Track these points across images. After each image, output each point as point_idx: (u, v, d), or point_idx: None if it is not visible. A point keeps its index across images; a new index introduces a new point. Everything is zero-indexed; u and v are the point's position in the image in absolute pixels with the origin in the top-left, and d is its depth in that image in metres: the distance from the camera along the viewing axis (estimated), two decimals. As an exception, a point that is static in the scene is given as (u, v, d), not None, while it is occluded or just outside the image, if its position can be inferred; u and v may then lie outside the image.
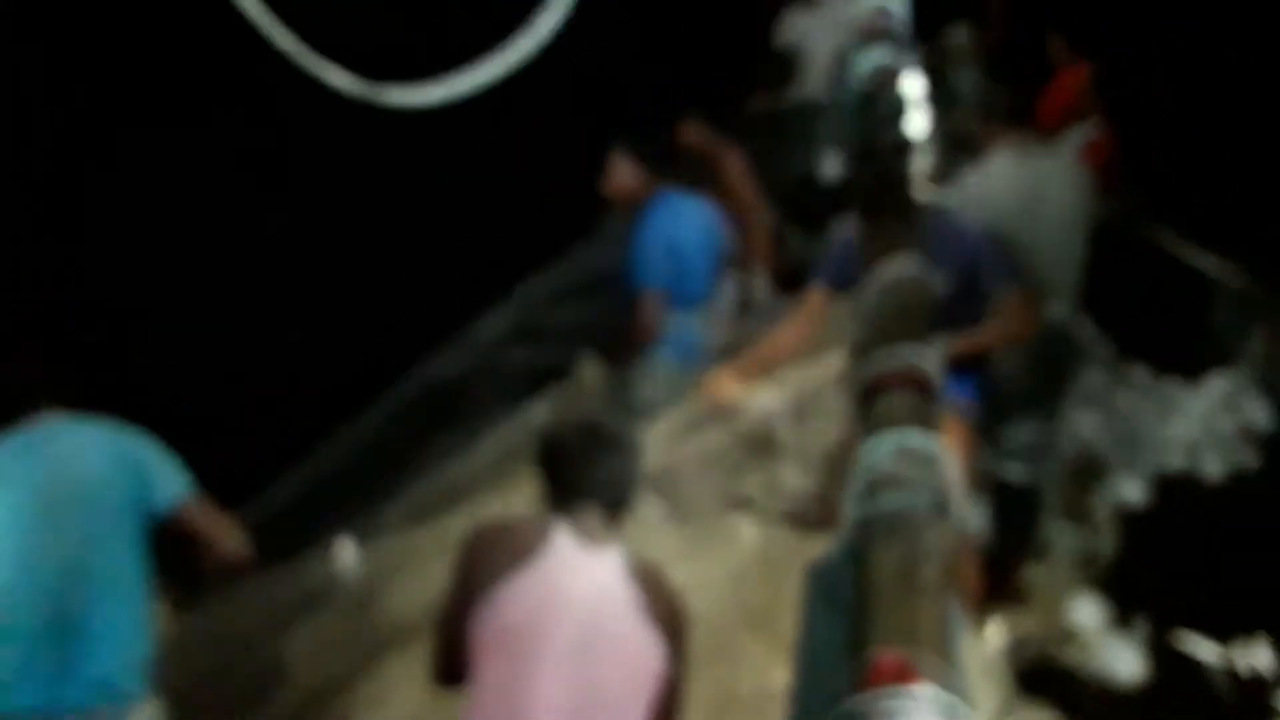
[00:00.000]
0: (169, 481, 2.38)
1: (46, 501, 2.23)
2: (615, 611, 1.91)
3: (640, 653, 1.91)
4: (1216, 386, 4.73)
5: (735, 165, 4.68)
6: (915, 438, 1.45)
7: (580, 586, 1.92)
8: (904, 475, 1.38)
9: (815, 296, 3.45)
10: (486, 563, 1.96)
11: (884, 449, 1.43)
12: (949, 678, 1.10)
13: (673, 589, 2.00)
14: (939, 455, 1.43)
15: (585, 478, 2.00)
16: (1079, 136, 4.80)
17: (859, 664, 1.11)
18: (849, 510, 1.39)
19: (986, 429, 3.75)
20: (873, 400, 1.59)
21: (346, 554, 3.19)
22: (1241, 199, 5.17)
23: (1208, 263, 5.00)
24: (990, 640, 3.44)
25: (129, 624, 2.32)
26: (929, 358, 1.65)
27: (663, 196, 3.83)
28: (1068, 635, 3.60)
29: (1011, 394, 3.72)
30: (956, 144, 4.68)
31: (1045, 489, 3.95)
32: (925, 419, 1.53)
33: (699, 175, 4.94)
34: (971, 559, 3.57)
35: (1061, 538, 3.99)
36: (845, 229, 3.60)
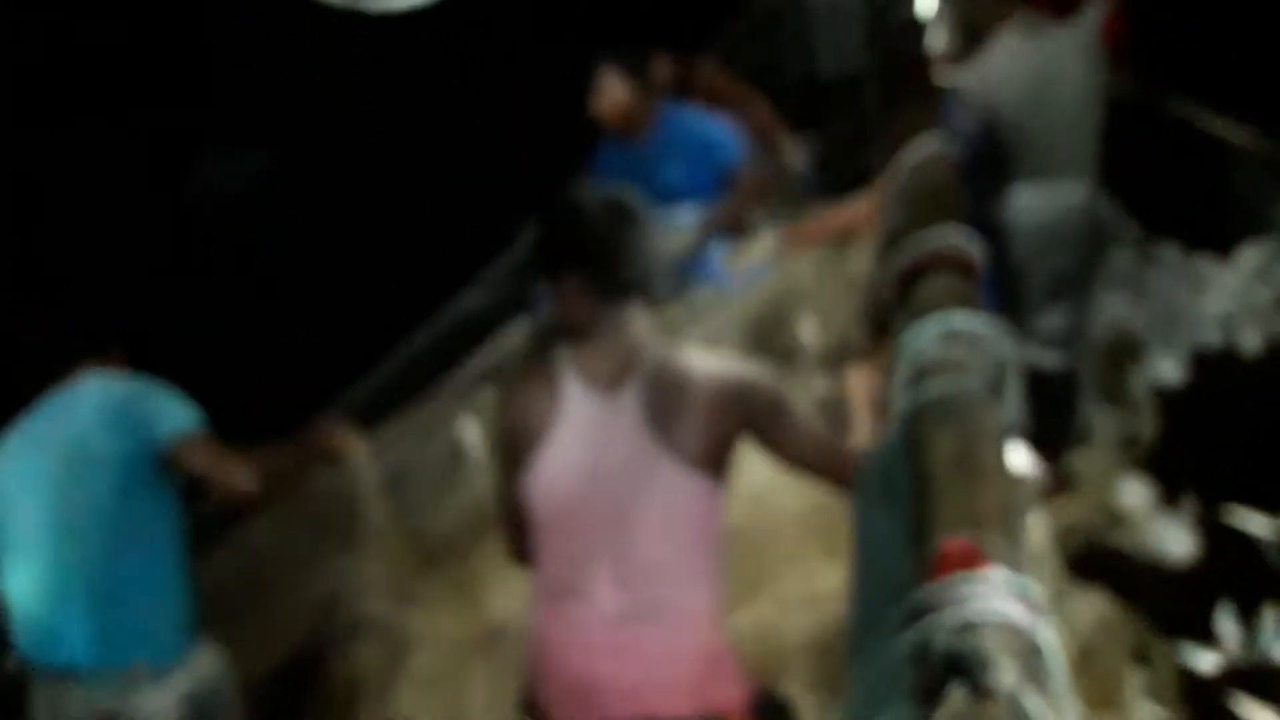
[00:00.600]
0: (165, 420, 2.31)
1: (65, 463, 2.20)
2: (637, 472, 1.80)
3: (678, 503, 1.81)
4: (1248, 258, 4.59)
5: (709, 70, 4.48)
6: (960, 319, 1.38)
7: (596, 454, 1.82)
8: (953, 358, 1.31)
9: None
10: (513, 440, 1.90)
11: (929, 333, 1.35)
12: (1016, 560, 1.04)
13: (716, 379, 1.83)
14: (987, 335, 1.36)
15: (606, 270, 1.86)
16: (1095, 13, 4.62)
17: (923, 553, 1.05)
18: (897, 399, 1.32)
19: (1013, 316, 3.66)
20: (911, 285, 1.51)
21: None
22: (1261, 63, 4.98)
23: (1230, 132, 4.82)
24: (1037, 527, 3.38)
25: (163, 577, 2.30)
26: (966, 237, 1.57)
27: (669, 108, 3.69)
28: (1115, 518, 3.54)
29: (1039, 278, 3.63)
30: (962, 27, 4.52)
31: (1081, 374, 3.87)
32: (969, 299, 1.45)
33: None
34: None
35: (1102, 422, 3.91)
36: None
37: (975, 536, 1.02)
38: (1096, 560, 3.37)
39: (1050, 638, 0.96)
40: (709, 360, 1.89)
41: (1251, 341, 4.37)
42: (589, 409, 1.83)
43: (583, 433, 1.83)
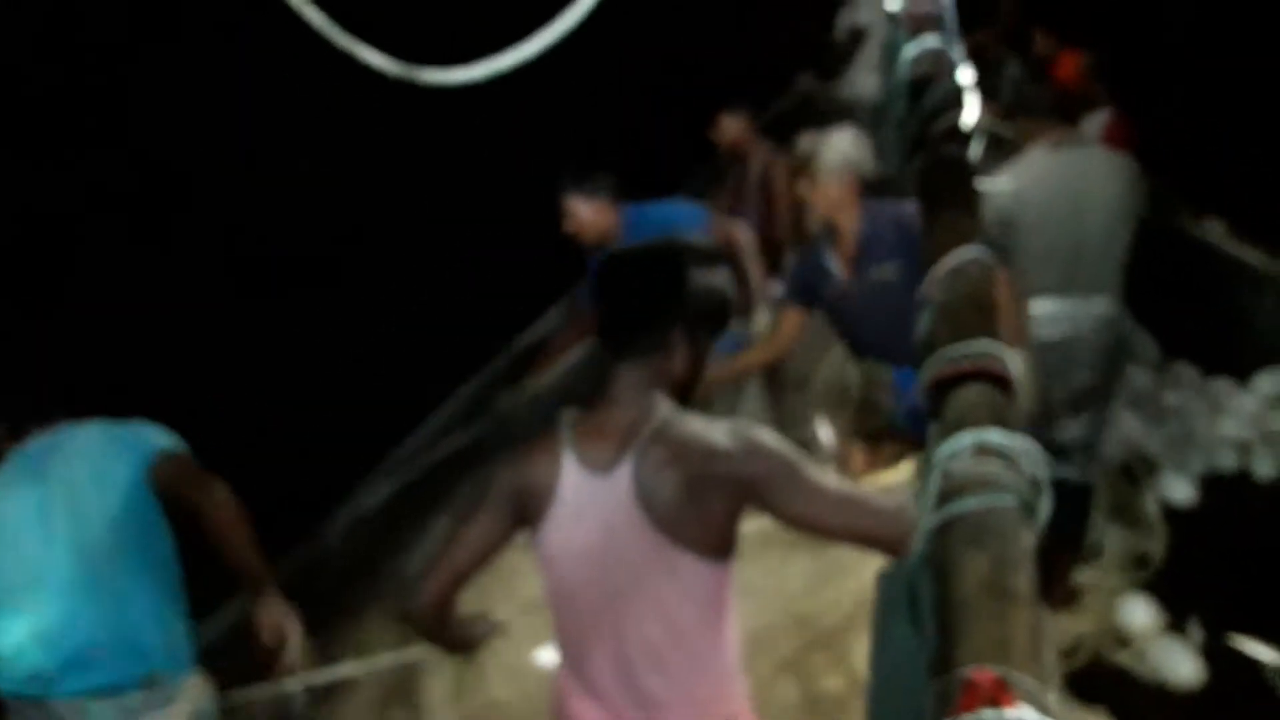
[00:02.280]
0: (151, 439, 2.25)
1: (67, 498, 2.16)
2: (633, 558, 1.67)
3: (677, 590, 1.68)
4: (1266, 384, 4.52)
5: (776, 170, 4.61)
6: (995, 434, 1.31)
7: (593, 539, 1.70)
8: (985, 475, 1.24)
9: (791, 317, 3.44)
10: (517, 500, 1.76)
11: (961, 447, 1.29)
12: (1045, 697, 0.97)
13: (715, 454, 1.65)
14: (1023, 453, 1.29)
15: (602, 327, 1.76)
16: (1095, 125, 4.62)
17: (948, 682, 0.98)
18: (924, 513, 1.25)
19: (1034, 428, 3.60)
20: (944, 396, 1.45)
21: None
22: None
23: (1252, 256, 4.79)
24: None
25: (166, 602, 2.26)
26: (1004, 350, 1.51)
27: (630, 210, 3.78)
28: (1121, 637, 3.43)
29: (1059, 390, 3.58)
30: (991, 140, 4.54)
31: (1095, 488, 3.79)
32: (1004, 415, 1.39)
33: (725, 171, 4.88)
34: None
35: (1112, 539, 3.82)
36: (807, 247, 3.58)
37: (1004, 670, 0.95)
38: (1099, 679, 3.26)
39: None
40: (709, 433, 1.69)
41: (1266, 468, 4.28)
42: (585, 491, 1.70)
43: (579, 515, 1.71)
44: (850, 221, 3.34)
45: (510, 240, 4.74)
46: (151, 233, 4.50)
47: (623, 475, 1.67)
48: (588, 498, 1.70)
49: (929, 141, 2.20)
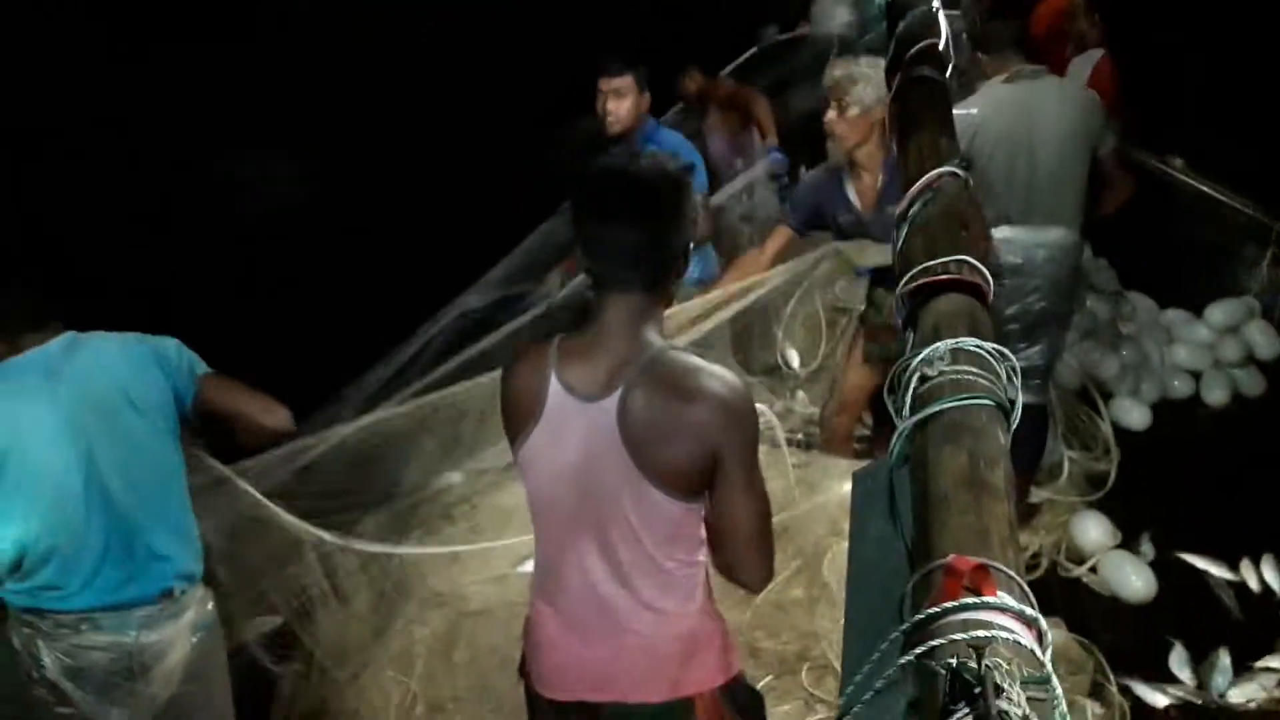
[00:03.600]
0: (185, 364, 2.23)
1: (86, 409, 2.11)
2: (613, 483, 1.66)
3: (653, 517, 1.68)
4: (1219, 314, 4.59)
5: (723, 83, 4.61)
6: (970, 341, 1.32)
7: (574, 460, 1.68)
8: (961, 378, 1.25)
9: (781, 235, 3.42)
10: (508, 421, 1.76)
11: (937, 352, 1.30)
12: (1020, 585, 0.99)
13: (706, 398, 1.61)
14: (998, 357, 1.30)
15: (603, 253, 1.65)
16: (1085, 64, 4.61)
17: (929, 570, 0.99)
18: (902, 414, 1.26)
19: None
20: (921, 306, 1.45)
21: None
22: (1249, 127, 4.98)
23: (1212, 191, 4.81)
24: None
25: (183, 514, 2.23)
26: (977, 262, 1.51)
27: (652, 126, 3.73)
28: (1076, 553, 3.51)
29: (1017, 312, 3.60)
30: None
31: (1051, 410, 3.84)
32: (978, 323, 1.40)
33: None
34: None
35: (1068, 460, 3.88)
36: (816, 172, 3.53)
37: (984, 557, 0.97)
38: (1055, 592, 3.33)
39: (1051, 667, 0.90)
40: (703, 374, 1.64)
41: (1217, 395, 4.36)
42: (570, 413, 1.67)
43: (561, 436, 1.68)
44: (876, 155, 3.30)
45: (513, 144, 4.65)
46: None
47: (609, 405, 1.64)
48: (573, 420, 1.68)
49: (905, 64, 2.18)
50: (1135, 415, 4.23)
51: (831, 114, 3.30)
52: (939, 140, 1.88)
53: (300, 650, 2.79)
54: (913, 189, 1.71)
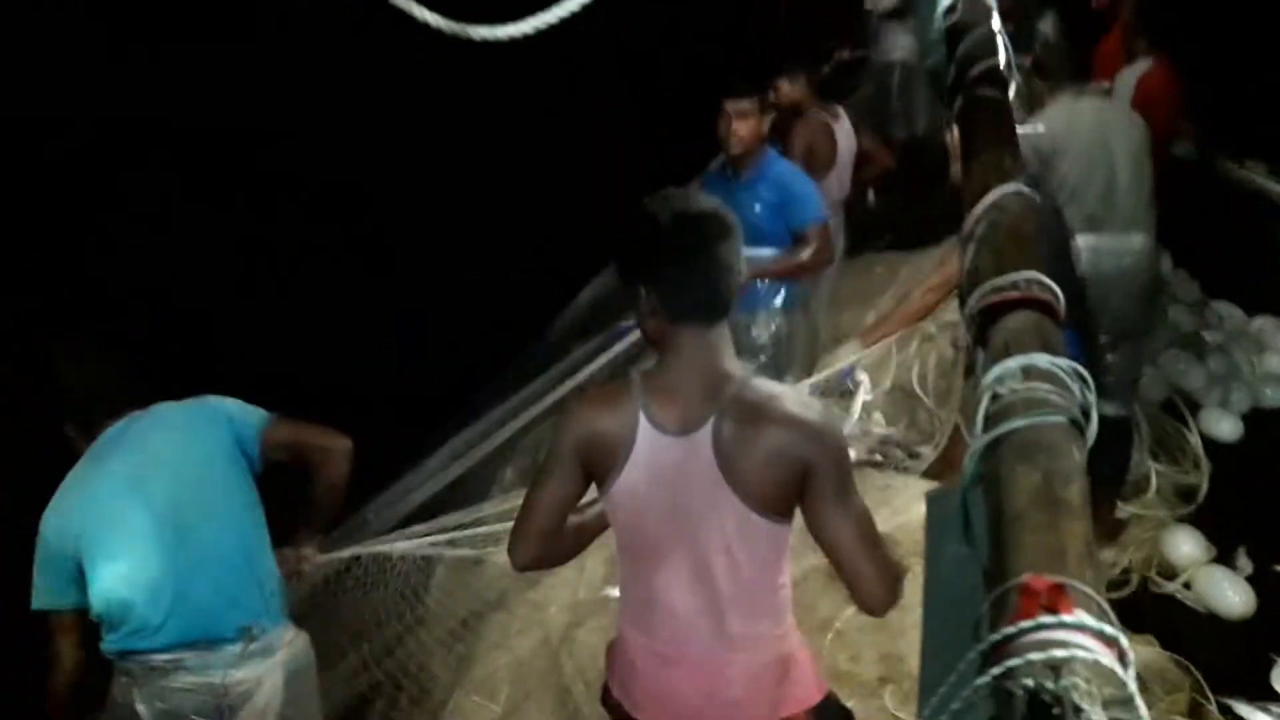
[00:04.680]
0: (247, 413, 2.30)
1: (149, 460, 2.20)
2: (709, 512, 1.68)
3: (747, 542, 1.69)
4: (1309, 321, 4.42)
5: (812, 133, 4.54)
6: (1042, 358, 1.30)
7: (670, 494, 1.69)
8: (1034, 396, 1.24)
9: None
10: (589, 452, 1.74)
11: (1009, 370, 1.28)
12: (1099, 603, 0.97)
13: (792, 422, 1.62)
14: (1071, 373, 1.28)
15: (682, 288, 1.65)
16: (1130, 78, 4.51)
17: (1005, 591, 0.98)
18: (976, 435, 1.25)
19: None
20: (991, 325, 1.44)
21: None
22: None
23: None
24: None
25: (260, 555, 2.29)
26: (1047, 279, 1.49)
27: (772, 154, 3.69)
28: (1168, 568, 3.40)
29: (1098, 324, 3.54)
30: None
31: (1137, 423, 3.74)
32: (1049, 340, 1.38)
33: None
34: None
35: (1157, 474, 3.76)
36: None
37: (1060, 577, 0.95)
38: (1147, 609, 3.23)
39: (1135, 686, 0.89)
40: (785, 403, 1.65)
41: (1309, 403, 4.20)
42: (662, 451, 1.68)
43: (657, 475, 1.70)
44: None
45: (558, 195, 4.71)
46: (202, 198, 4.51)
47: (703, 438, 1.66)
48: (666, 455, 1.69)
49: (966, 85, 2.17)
50: (1225, 426, 4.09)
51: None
52: (1003, 159, 1.86)
53: (387, 681, 2.84)
54: (978, 207, 1.70)
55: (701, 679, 1.77)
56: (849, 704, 1.97)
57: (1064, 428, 1.19)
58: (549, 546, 1.81)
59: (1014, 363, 1.30)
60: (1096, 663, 0.86)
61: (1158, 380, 4.14)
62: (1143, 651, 2.97)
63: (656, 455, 1.69)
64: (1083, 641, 0.89)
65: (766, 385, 1.70)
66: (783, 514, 1.69)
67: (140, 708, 2.19)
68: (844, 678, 2.68)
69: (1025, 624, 0.90)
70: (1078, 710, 0.80)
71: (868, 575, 1.64)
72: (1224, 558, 3.41)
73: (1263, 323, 4.52)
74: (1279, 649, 2.98)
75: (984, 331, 1.45)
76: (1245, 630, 3.17)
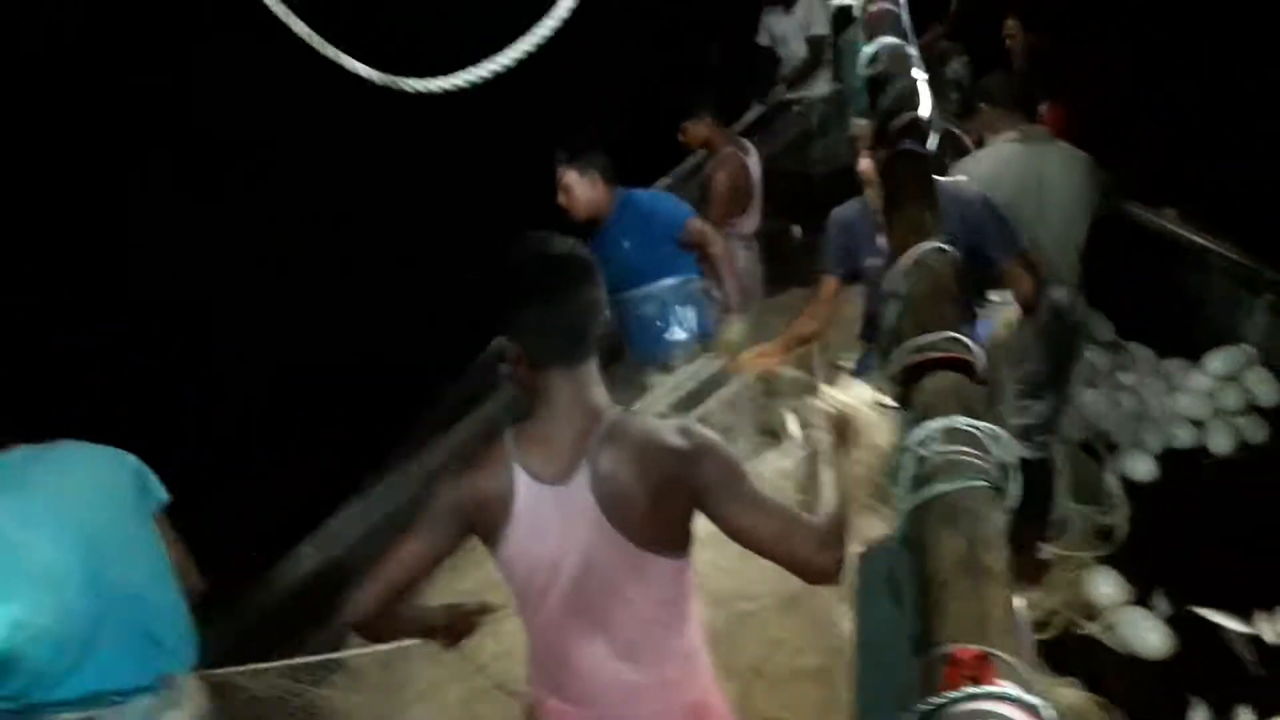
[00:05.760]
0: (155, 483, 2.28)
1: (65, 503, 2.11)
2: (600, 560, 1.67)
3: (644, 586, 1.68)
4: (1218, 362, 4.57)
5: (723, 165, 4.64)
6: (962, 420, 1.32)
7: (556, 547, 1.67)
8: (956, 459, 1.25)
9: (829, 284, 3.44)
10: (479, 527, 1.72)
11: (930, 432, 1.30)
12: (1020, 670, 0.98)
13: (666, 453, 1.63)
14: (990, 437, 1.30)
15: (544, 332, 1.65)
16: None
17: (932, 659, 0.98)
18: (899, 496, 1.25)
19: (994, 408, 3.66)
20: (912, 385, 1.46)
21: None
22: (1236, 177, 5.01)
23: (1203, 241, 4.83)
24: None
25: (175, 597, 2.24)
26: (968, 339, 1.52)
27: (623, 192, 3.78)
28: (1089, 610, 3.46)
29: (1018, 374, 3.62)
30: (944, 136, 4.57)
31: (1055, 467, 3.82)
32: (970, 401, 1.40)
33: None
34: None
35: (1076, 515, 3.84)
36: (844, 212, 3.53)
37: (984, 646, 0.96)
38: (1069, 651, 3.28)
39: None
40: (661, 431, 1.66)
41: (1221, 443, 4.33)
42: (543, 503, 1.67)
43: (540, 528, 1.68)
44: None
45: (493, 240, 4.70)
46: (131, 239, 4.43)
47: (580, 483, 1.65)
48: (548, 509, 1.67)
49: (888, 137, 2.21)
50: (1141, 467, 4.20)
51: (864, 162, 3.29)
52: (924, 215, 1.90)
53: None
54: (899, 264, 1.73)
55: None
56: None
57: (986, 492, 1.20)
58: (390, 604, 1.74)
59: (935, 424, 1.31)
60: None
61: (1075, 421, 4.24)
62: (1067, 694, 3.02)
63: (538, 507, 1.67)
64: (1005, 712, 0.89)
65: (639, 419, 1.70)
66: (676, 546, 1.69)
67: None
68: (777, 725, 2.66)
69: (953, 694, 0.90)
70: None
71: (801, 548, 1.63)
72: (1144, 598, 3.48)
73: (1172, 364, 4.67)
74: (1196, 689, 3.05)
75: (905, 391, 1.46)
76: (1165, 671, 3.24)
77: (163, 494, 2.28)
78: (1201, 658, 3.25)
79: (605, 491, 1.64)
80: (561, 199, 3.72)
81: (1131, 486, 4.09)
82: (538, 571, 1.71)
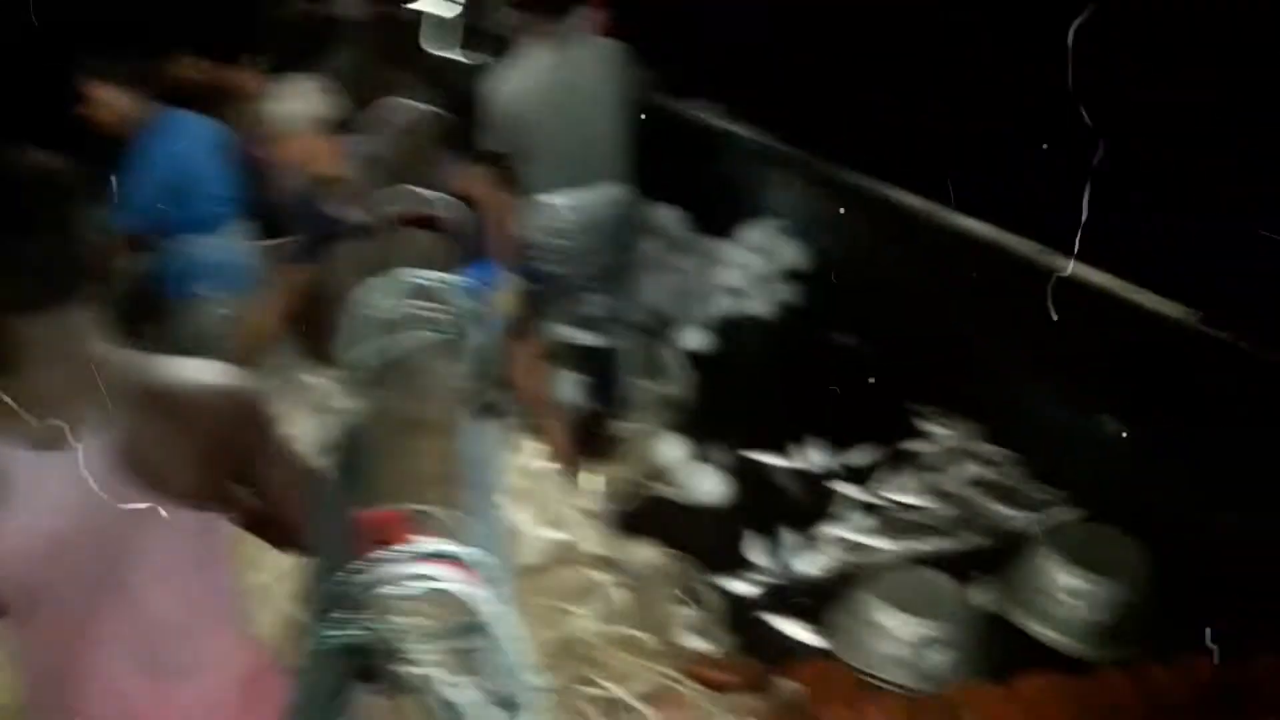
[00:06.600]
0: None
1: None
2: (120, 530, 1.34)
3: (176, 550, 1.39)
4: (750, 236, 4.91)
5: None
6: (428, 274, 1.18)
7: (57, 524, 1.32)
8: (409, 314, 1.11)
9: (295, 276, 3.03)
10: None
11: (387, 289, 1.14)
12: (455, 521, 0.84)
13: (205, 396, 1.36)
14: (451, 291, 1.17)
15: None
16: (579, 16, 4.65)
17: (346, 532, 0.83)
18: (355, 357, 1.09)
19: (558, 303, 3.68)
20: (383, 239, 1.30)
21: None
22: (751, 66, 5.31)
23: (727, 124, 5.10)
24: (589, 489, 3.36)
25: None
26: (440, 197, 1.38)
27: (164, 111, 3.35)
28: (658, 473, 3.61)
29: (582, 270, 3.67)
30: (495, 41, 4.44)
31: (623, 351, 3.93)
32: (439, 257, 1.26)
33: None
34: (562, 420, 3.48)
35: (642, 391, 3.98)
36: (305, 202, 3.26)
37: (405, 504, 0.82)
38: (645, 513, 3.40)
39: (495, 608, 0.77)
40: (191, 372, 1.39)
41: (758, 307, 4.68)
42: (38, 472, 1.31)
43: (35, 504, 1.31)
44: (336, 163, 3.01)
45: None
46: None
47: (86, 443, 1.31)
48: (44, 478, 1.31)
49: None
50: (693, 337, 4.44)
51: (280, 149, 3.06)
52: (406, 76, 1.75)
53: None
54: (384, 123, 1.56)
55: None
56: None
57: (435, 344, 1.07)
58: None
59: (392, 280, 1.16)
60: (427, 593, 0.73)
61: (636, 306, 4.38)
62: (647, 553, 3.12)
63: (34, 476, 1.31)
64: (424, 570, 0.76)
65: (152, 363, 1.39)
66: (206, 503, 1.40)
67: None
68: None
69: (356, 565, 0.75)
70: (397, 655, 0.66)
71: (292, 529, 1.43)
72: (703, 454, 3.69)
73: (714, 243, 4.96)
74: (750, 524, 3.29)
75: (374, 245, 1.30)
76: (725, 515, 3.47)
77: None
78: (753, 497, 3.51)
79: (116, 448, 1.33)
80: (93, 113, 3.30)
81: (690, 356, 4.31)
82: (27, 566, 1.35)
